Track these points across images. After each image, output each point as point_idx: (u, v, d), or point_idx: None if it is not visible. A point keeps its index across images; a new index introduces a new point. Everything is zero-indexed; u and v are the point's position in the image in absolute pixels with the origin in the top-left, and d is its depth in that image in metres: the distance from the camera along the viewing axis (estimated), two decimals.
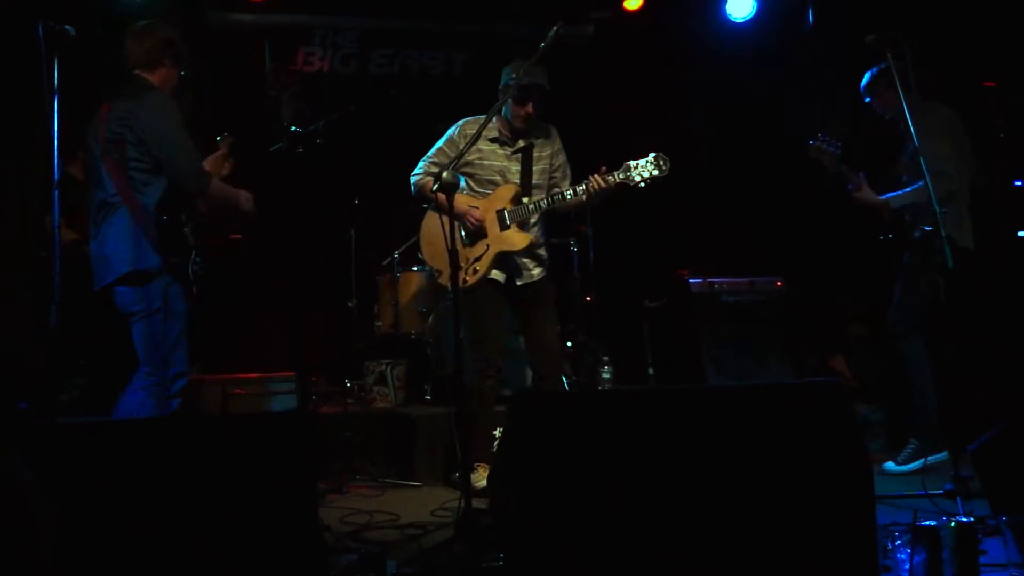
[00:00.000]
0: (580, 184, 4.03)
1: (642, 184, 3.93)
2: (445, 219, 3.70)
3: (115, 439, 2.45)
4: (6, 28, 5.19)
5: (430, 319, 5.41)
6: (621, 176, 3.94)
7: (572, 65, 6.24)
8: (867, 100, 4.55)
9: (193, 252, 3.80)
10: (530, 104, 4.06)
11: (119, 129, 3.69)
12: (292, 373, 4.84)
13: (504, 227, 4.12)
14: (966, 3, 5.98)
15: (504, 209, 4.12)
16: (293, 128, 3.78)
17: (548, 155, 4.24)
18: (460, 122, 4.24)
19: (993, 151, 5.87)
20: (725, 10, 6.54)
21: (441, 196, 3.39)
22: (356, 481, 4.48)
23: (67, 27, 3.43)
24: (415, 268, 5.55)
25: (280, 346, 5.92)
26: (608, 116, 6.81)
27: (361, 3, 6.69)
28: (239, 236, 5.77)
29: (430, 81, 6.97)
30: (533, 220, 4.20)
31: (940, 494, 3.42)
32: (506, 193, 4.15)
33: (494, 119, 4.16)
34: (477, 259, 4.12)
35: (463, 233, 4.15)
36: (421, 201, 4.32)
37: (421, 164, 4.26)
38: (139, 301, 3.70)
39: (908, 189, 4.33)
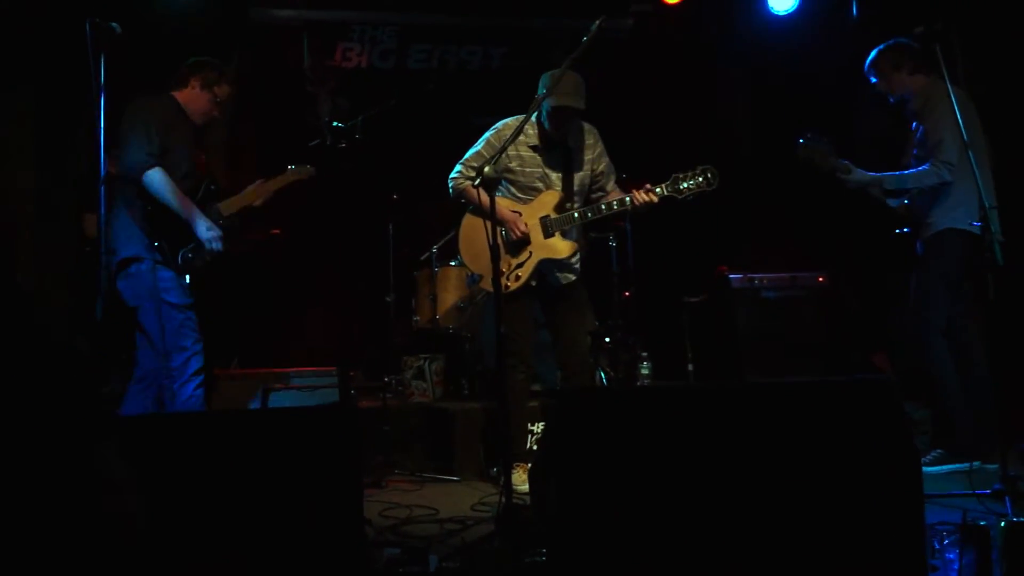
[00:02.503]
0: (626, 196, 3.97)
1: (690, 198, 3.89)
2: (484, 221, 3.71)
3: (161, 432, 2.48)
4: (53, 25, 5.27)
5: (468, 313, 5.41)
6: (669, 189, 3.90)
7: (612, 58, 6.22)
8: (872, 80, 4.46)
9: (192, 243, 3.97)
10: (562, 124, 4.02)
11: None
12: (332, 367, 4.87)
13: (548, 235, 4.08)
14: None
15: (548, 216, 4.09)
16: (335, 124, 3.79)
17: (589, 160, 4.17)
18: (498, 124, 4.19)
19: None
20: (767, 3, 6.47)
21: (484, 196, 3.38)
22: (394, 475, 4.49)
23: (113, 24, 3.49)
24: (453, 263, 5.55)
25: (319, 340, 5.96)
26: (648, 110, 6.77)
27: None
28: (278, 231, 5.80)
29: (468, 76, 6.96)
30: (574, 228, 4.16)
31: (988, 494, 3.35)
32: (550, 200, 4.11)
33: (533, 126, 4.11)
34: (520, 265, 4.08)
35: (505, 238, 4.10)
36: (460, 201, 4.28)
37: (458, 167, 4.21)
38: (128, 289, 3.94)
39: (908, 172, 4.26)
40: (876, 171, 4.38)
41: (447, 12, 6.79)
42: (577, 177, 4.15)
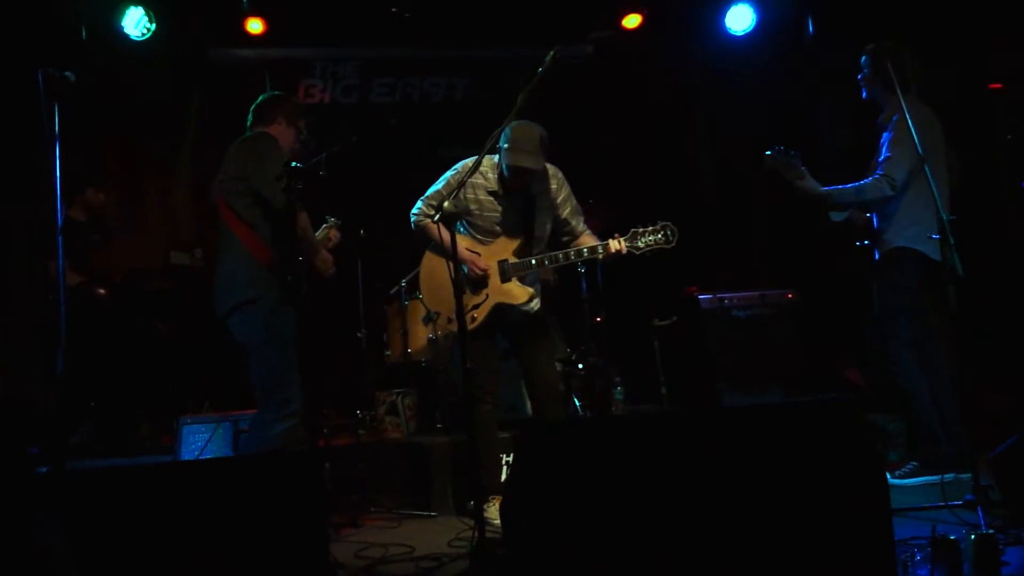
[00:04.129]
0: (577, 252, 4.01)
1: (648, 253, 3.92)
2: (443, 260, 3.69)
3: (125, 483, 2.45)
4: (7, 75, 5.25)
5: (439, 347, 5.38)
6: (626, 244, 3.92)
7: (573, 85, 6.26)
8: (863, 68, 4.47)
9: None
10: (520, 182, 4.02)
11: (227, 168, 3.97)
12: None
13: (505, 279, 4.08)
14: (968, 6, 5.97)
15: (507, 261, 4.09)
16: (293, 164, 3.77)
17: (548, 206, 4.15)
18: (458, 164, 4.17)
19: (1000, 153, 5.84)
20: (725, 24, 6.56)
21: (444, 232, 3.37)
22: (371, 513, 4.44)
23: (67, 73, 3.47)
24: (422, 296, 5.53)
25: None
26: (610, 134, 6.81)
27: (361, 34, 6.72)
28: None
29: (432, 108, 6.98)
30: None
31: (960, 504, 3.36)
32: (510, 245, 4.11)
33: (492, 171, 4.10)
34: (476, 307, 4.08)
35: (464, 276, 4.09)
36: (422, 238, 4.28)
37: (419, 203, 4.22)
38: (247, 330, 3.88)
39: (850, 185, 4.31)
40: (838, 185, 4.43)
41: (408, 45, 6.82)
42: (538, 224, 4.12)
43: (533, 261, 4.06)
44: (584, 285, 5.65)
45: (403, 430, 5.20)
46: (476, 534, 3.05)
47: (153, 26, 5.85)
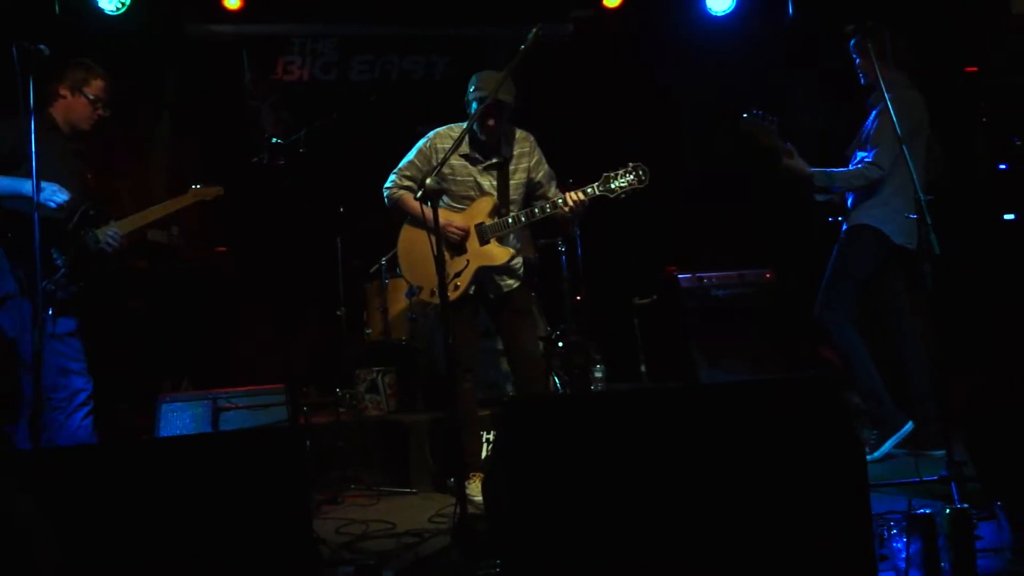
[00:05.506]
0: (559, 198, 3.96)
1: (622, 196, 3.87)
2: (421, 232, 3.67)
3: (105, 461, 2.43)
4: None
5: (419, 324, 5.39)
6: (600, 189, 3.88)
7: (553, 64, 6.24)
8: (856, 61, 4.47)
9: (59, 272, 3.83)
10: (491, 119, 3.97)
11: None
12: (282, 385, 4.82)
13: (484, 242, 4.07)
14: None
15: (483, 223, 4.07)
16: (273, 140, 3.74)
17: (525, 168, 4.15)
18: (431, 133, 4.16)
19: (977, 136, 5.89)
20: (705, 5, 6.56)
21: (419, 205, 3.34)
22: (351, 491, 4.45)
23: (41, 47, 3.42)
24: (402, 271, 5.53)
25: (271, 357, 5.89)
26: (591, 114, 6.81)
27: (340, 10, 6.65)
28: (224, 249, 5.74)
29: (411, 86, 6.94)
30: (512, 234, 4.16)
31: (935, 480, 3.42)
32: (484, 206, 4.09)
33: (465, 135, 4.09)
34: (458, 274, 4.05)
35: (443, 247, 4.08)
36: (396, 213, 4.24)
37: (392, 177, 4.19)
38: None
39: (839, 170, 4.36)
40: (812, 166, 4.45)
41: (388, 23, 6.77)
42: (512, 185, 4.13)
43: (510, 219, 4.04)
44: (564, 263, 5.66)
45: (383, 408, 5.20)
46: (458, 510, 3.06)
47: (128, 1, 5.76)
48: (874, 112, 4.39)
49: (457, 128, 4.11)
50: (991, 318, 5.23)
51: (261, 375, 5.39)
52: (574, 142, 6.17)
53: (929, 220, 3.49)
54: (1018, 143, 5.90)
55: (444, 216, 4.06)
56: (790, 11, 6.55)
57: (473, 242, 4.08)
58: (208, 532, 2.33)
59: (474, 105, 3.97)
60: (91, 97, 4.06)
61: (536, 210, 4.01)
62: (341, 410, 4.92)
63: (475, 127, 4.01)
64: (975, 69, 6.03)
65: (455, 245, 4.07)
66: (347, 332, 5.47)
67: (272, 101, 6.53)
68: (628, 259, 6.47)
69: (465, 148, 4.09)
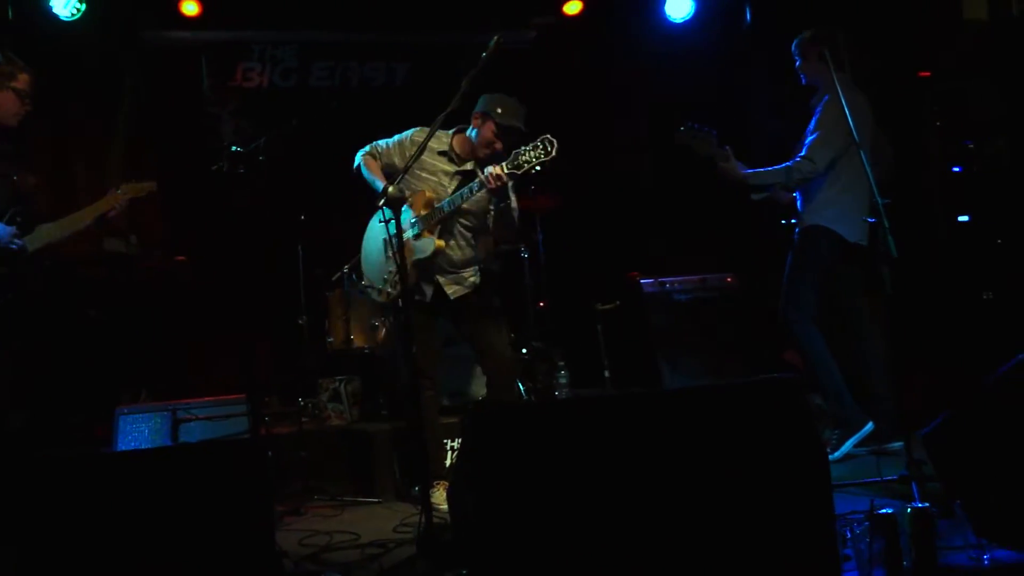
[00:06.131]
0: (475, 179, 3.92)
1: (535, 169, 3.77)
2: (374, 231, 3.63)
3: (65, 472, 2.38)
4: None
5: (382, 332, 5.36)
6: (510, 166, 3.78)
7: (514, 71, 6.25)
8: (797, 63, 4.54)
9: None
10: (499, 143, 4.00)
11: None
12: (242, 396, 4.76)
13: (417, 235, 4.02)
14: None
15: (418, 216, 4.04)
16: (233, 148, 3.69)
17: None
18: (415, 129, 4.15)
19: (930, 139, 5.99)
20: (664, 11, 6.61)
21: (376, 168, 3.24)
22: (314, 501, 4.40)
23: None
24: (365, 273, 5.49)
25: (232, 367, 5.82)
26: (551, 121, 6.81)
27: (300, 16, 6.61)
28: (183, 258, 5.66)
29: (372, 92, 6.91)
30: (471, 231, 4.14)
31: (895, 479, 3.46)
32: (419, 200, 4.05)
33: (450, 134, 4.11)
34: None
35: (387, 251, 4.05)
36: (358, 176, 4.16)
37: (367, 147, 4.19)
38: None
39: (770, 168, 4.40)
40: None
41: (348, 29, 6.74)
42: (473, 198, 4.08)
43: (435, 206, 4.00)
44: (527, 270, 5.66)
45: (346, 417, 5.16)
46: (423, 520, 3.04)
47: (83, 6, 5.66)
48: (817, 111, 4.44)
49: (443, 134, 4.11)
50: (946, 319, 5.32)
51: (221, 385, 5.32)
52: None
53: (887, 223, 3.54)
54: (971, 146, 6.01)
55: None
56: (748, 17, 6.63)
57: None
58: (169, 546, 2.29)
59: (488, 125, 4.00)
60: (18, 91, 3.88)
61: (459, 196, 3.96)
62: (304, 420, 4.87)
63: (473, 135, 4.05)
64: (928, 74, 6.14)
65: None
66: (309, 341, 5.42)
67: (231, 108, 6.46)
68: (591, 265, 6.48)
69: (445, 146, 4.10)
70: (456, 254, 4.13)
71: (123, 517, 2.29)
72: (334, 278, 5.56)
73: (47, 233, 3.99)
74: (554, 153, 3.76)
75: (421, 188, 4.09)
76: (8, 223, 3.79)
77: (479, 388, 5.02)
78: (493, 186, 3.80)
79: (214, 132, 6.37)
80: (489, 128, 4.00)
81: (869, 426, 4.29)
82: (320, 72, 6.84)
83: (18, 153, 4.04)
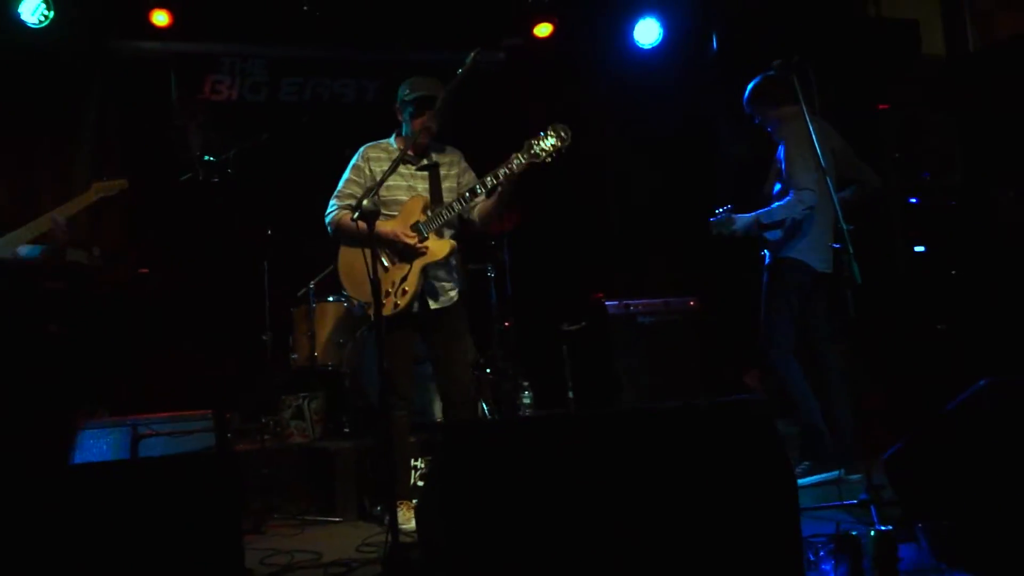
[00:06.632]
0: (487, 176, 3.87)
1: (549, 158, 3.76)
2: (363, 250, 3.65)
3: (27, 486, 2.34)
4: None
5: (347, 349, 5.32)
6: (525, 157, 3.77)
7: (483, 91, 6.28)
8: (749, 113, 4.64)
9: None
10: (425, 115, 3.99)
11: None
12: (206, 411, 4.70)
13: (423, 239, 3.99)
14: (857, 30, 6.27)
15: (418, 221, 4.01)
16: (206, 158, 3.66)
17: (455, 174, 4.18)
18: (361, 149, 4.18)
19: (889, 171, 6.12)
20: (633, 37, 6.71)
21: (362, 225, 3.31)
22: (275, 520, 4.36)
23: None
24: (331, 299, 5.46)
25: (193, 382, 5.74)
26: (519, 142, 6.85)
27: (270, 31, 6.59)
28: (146, 271, 5.58)
29: (342, 109, 6.90)
30: (449, 228, 4.11)
31: (855, 504, 3.51)
32: (415, 206, 4.04)
33: (391, 141, 4.18)
34: (404, 278, 3.96)
35: (383, 261, 4.00)
36: (340, 239, 4.13)
37: (333, 203, 4.13)
38: None
39: (776, 204, 4.41)
40: (736, 197, 4.56)
41: (319, 45, 6.73)
42: (445, 188, 4.13)
43: (443, 210, 3.98)
44: (493, 289, 5.68)
45: (308, 434, 5.11)
46: (389, 539, 3.02)
47: (51, 13, 5.59)
48: (782, 144, 4.51)
49: (385, 143, 4.19)
50: (902, 347, 5.41)
51: (182, 400, 5.24)
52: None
53: (851, 249, 3.61)
54: (928, 178, 6.15)
55: (380, 227, 3.88)
56: (715, 45, 6.74)
57: (413, 242, 3.99)
58: (130, 564, 2.25)
59: (408, 110, 4.07)
60: None
61: (467, 193, 3.94)
62: (265, 437, 4.81)
63: (406, 131, 4.09)
64: (887, 106, 6.28)
65: (400, 251, 3.99)
66: (272, 357, 5.37)
67: (199, 121, 6.40)
68: (557, 286, 6.51)
69: (396, 152, 4.10)
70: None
71: (89, 533, 2.25)
72: (299, 293, 5.53)
73: (15, 239, 3.90)
74: (569, 141, 3.75)
75: (397, 197, 4.08)
76: None
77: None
78: (515, 180, 3.81)
79: (181, 144, 6.31)
80: (408, 111, 4.05)
81: (836, 474, 4.26)
82: (290, 87, 6.81)
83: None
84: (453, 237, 4.11)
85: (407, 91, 4.08)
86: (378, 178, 3.91)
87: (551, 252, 6.59)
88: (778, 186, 4.51)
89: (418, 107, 4.03)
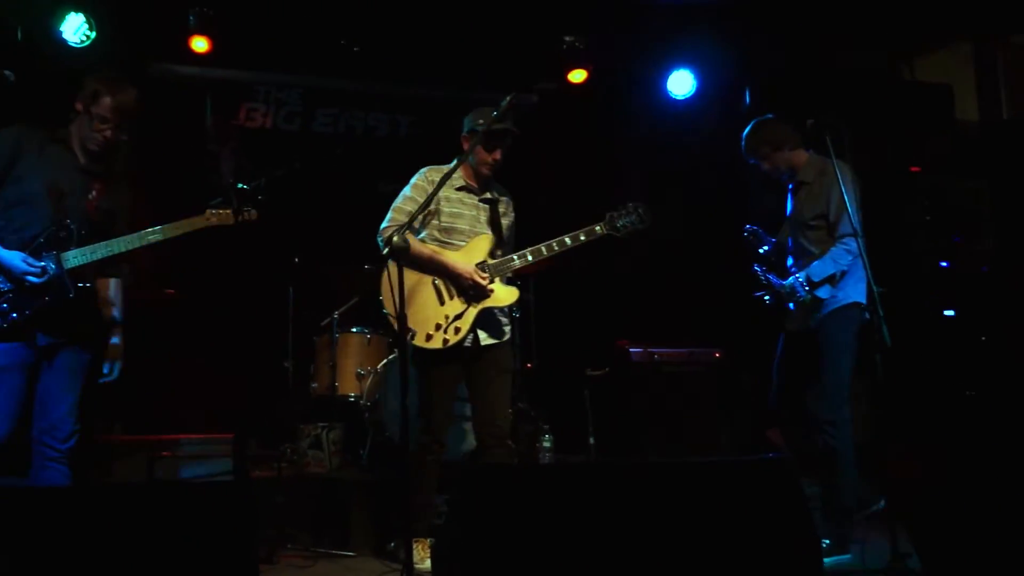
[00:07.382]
0: (566, 236, 3.85)
1: (626, 236, 3.89)
2: (423, 275, 3.71)
3: (33, 507, 2.31)
4: None
5: (368, 381, 5.30)
6: (607, 228, 3.87)
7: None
8: (752, 161, 4.47)
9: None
10: (499, 151, 3.92)
11: None
12: (224, 435, 4.68)
13: (491, 281, 3.87)
14: (891, 93, 6.28)
15: (485, 262, 3.88)
16: (240, 185, 3.67)
17: (509, 215, 4.11)
18: (424, 169, 4.04)
19: (919, 233, 6.09)
20: (666, 87, 6.75)
21: (427, 248, 3.25)
22: (288, 550, 4.30)
23: (8, 72, 3.35)
24: (354, 330, 5.46)
25: (212, 406, 5.74)
26: (550, 186, 6.88)
27: (306, 61, 6.67)
28: (172, 292, 5.60)
29: (375, 142, 6.95)
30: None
31: (880, 571, 3.44)
32: (483, 244, 3.92)
33: (458, 172, 3.96)
34: (459, 316, 3.82)
35: (442, 290, 3.86)
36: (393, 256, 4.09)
37: (390, 215, 3.96)
38: None
39: (825, 258, 4.11)
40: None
41: (355, 78, 6.80)
42: (505, 225, 4.02)
43: (515, 257, 3.89)
44: (517, 330, 5.64)
45: (326, 465, 5.08)
46: None
47: (93, 34, 5.69)
48: (791, 195, 4.39)
49: (446, 167, 3.96)
50: (931, 412, 5.34)
51: (200, 424, 5.23)
52: (532, 211, 6.24)
53: (881, 312, 3.57)
54: (959, 242, 6.11)
55: (451, 261, 3.86)
56: (747, 100, 6.76)
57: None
58: None
59: (481, 140, 3.87)
60: (96, 115, 3.58)
61: (543, 248, 3.85)
62: (283, 465, 4.77)
63: (472, 160, 3.96)
64: (919, 169, 6.27)
65: (464, 289, 3.85)
66: (293, 385, 5.35)
67: (232, 147, 6.47)
68: (582, 329, 6.48)
69: (460, 180, 3.99)
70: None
71: (103, 554, 2.22)
72: (323, 323, 5.53)
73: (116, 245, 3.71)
74: (646, 225, 3.91)
75: (458, 226, 3.97)
76: (48, 239, 3.54)
77: (467, 445, 4.92)
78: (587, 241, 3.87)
79: (213, 169, 6.37)
80: (483, 143, 3.88)
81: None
82: (324, 118, 6.88)
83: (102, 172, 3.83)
84: None
85: (480, 121, 3.90)
86: (434, 204, 3.89)
87: (578, 295, 6.57)
88: (794, 236, 4.39)
89: (494, 140, 3.89)
